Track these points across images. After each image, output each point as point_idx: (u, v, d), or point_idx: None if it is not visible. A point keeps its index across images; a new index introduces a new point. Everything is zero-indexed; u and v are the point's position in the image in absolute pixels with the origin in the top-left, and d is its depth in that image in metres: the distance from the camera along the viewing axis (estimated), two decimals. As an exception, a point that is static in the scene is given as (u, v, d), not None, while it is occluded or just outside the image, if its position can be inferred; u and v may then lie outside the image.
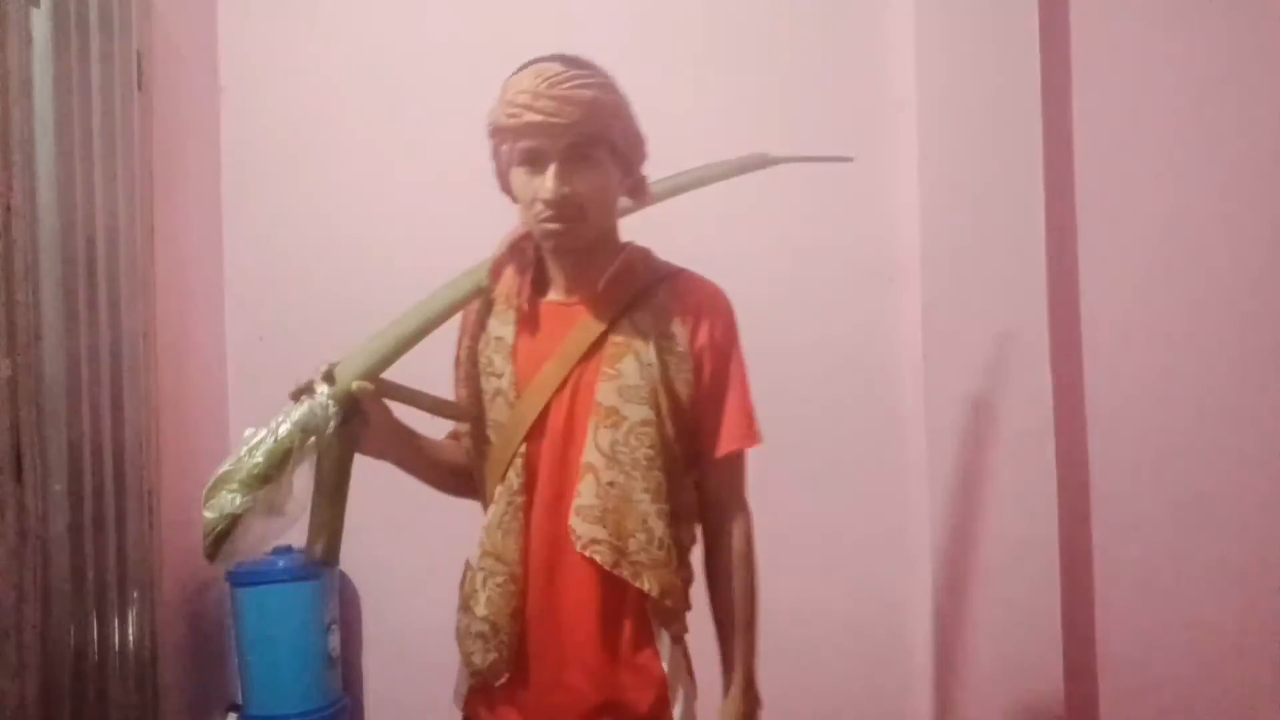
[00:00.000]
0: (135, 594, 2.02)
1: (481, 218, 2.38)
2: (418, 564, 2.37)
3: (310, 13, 2.50)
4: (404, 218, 2.47)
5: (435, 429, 1.52)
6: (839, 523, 2.41)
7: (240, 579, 2.26)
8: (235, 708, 2.35)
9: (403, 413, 1.41)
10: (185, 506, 2.26)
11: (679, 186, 1.60)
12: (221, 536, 1.24)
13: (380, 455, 1.40)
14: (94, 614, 1.88)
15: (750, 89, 2.43)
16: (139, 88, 2.10)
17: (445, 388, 1.47)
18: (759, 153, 1.69)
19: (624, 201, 1.42)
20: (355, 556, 2.41)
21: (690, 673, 1.40)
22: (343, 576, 2.44)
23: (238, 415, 2.50)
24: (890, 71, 2.40)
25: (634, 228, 1.53)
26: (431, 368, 1.46)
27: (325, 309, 2.45)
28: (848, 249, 2.43)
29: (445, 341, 1.48)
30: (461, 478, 1.47)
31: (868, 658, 2.41)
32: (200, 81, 2.47)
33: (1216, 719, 2.38)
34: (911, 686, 2.39)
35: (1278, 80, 2.40)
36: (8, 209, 1.61)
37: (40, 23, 1.74)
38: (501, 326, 1.39)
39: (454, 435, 1.52)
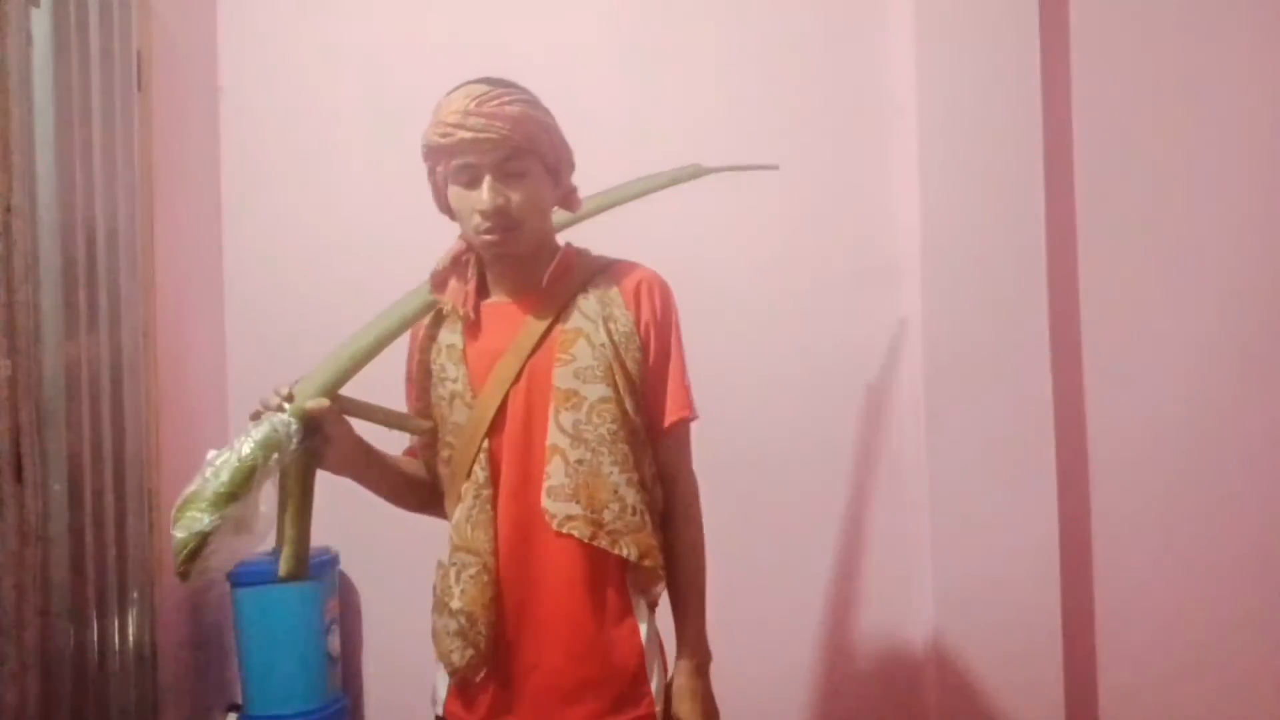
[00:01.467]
0: (135, 594, 2.02)
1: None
2: (418, 564, 2.36)
3: (310, 13, 2.50)
4: (404, 217, 2.45)
5: (391, 444, 1.55)
6: (838, 523, 2.41)
7: (240, 579, 2.25)
8: (235, 708, 2.35)
9: (361, 430, 1.43)
10: (185, 506, 2.26)
11: (616, 199, 1.65)
12: (192, 555, 1.26)
13: (341, 471, 1.43)
14: (94, 614, 1.88)
15: (750, 90, 2.42)
16: (139, 88, 2.10)
17: (395, 401, 1.52)
18: (692, 164, 1.75)
19: (564, 215, 1.51)
20: (355, 556, 2.43)
21: (664, 651, 1.47)
22: (343, 576, 2.44)
23: (238, 415, 2.50)
24: (890, 72, 2.40)
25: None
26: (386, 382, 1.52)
27: (325, 309, 2.44)
28: (848, 249, 2.43)
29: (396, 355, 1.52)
30: (419, 493, 1.54)
31: (867, 658, 2.41)
32: (200, 81, 2.46)
33: (1216, 719, 2.38)
34: (912, 686, 2.39)
35: (1277, 80, 2.41)
36: (8, 209, 1.61)
37: (40, 23, 1.74)
38: (451, 335, 1.46)
39: (410, 451, 1.58)
